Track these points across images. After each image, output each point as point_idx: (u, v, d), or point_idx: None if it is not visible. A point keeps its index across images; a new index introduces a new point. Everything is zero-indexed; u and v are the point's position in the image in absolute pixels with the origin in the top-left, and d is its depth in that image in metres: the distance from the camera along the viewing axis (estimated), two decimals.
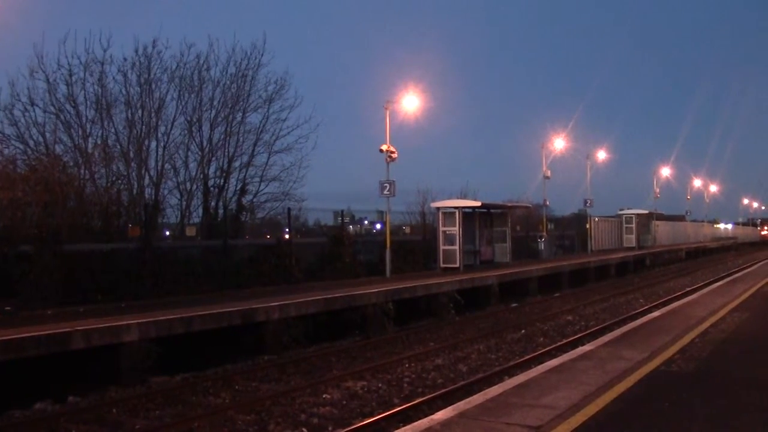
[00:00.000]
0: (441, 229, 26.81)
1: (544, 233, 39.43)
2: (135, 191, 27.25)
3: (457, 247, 26.18)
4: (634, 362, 9.56)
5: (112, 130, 27.39)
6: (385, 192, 24.64)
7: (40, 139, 25.67)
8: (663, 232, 59.46)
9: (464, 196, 35.57)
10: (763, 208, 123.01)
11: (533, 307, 23.23)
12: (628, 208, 52.61)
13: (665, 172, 64.60)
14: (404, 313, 18.90)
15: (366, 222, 49.18)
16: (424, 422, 6.87)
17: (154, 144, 28.54)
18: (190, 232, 28.80)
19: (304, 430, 9.19)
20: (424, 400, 10.29)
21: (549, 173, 39.57)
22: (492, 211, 29.51)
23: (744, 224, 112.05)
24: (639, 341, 11.35)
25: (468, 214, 27.42)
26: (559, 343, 15.17)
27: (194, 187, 29.80)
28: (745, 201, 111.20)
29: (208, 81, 30.03)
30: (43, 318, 13.42)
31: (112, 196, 25.61)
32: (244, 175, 30.65)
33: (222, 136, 30.26)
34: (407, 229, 39.00)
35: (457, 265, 25.91)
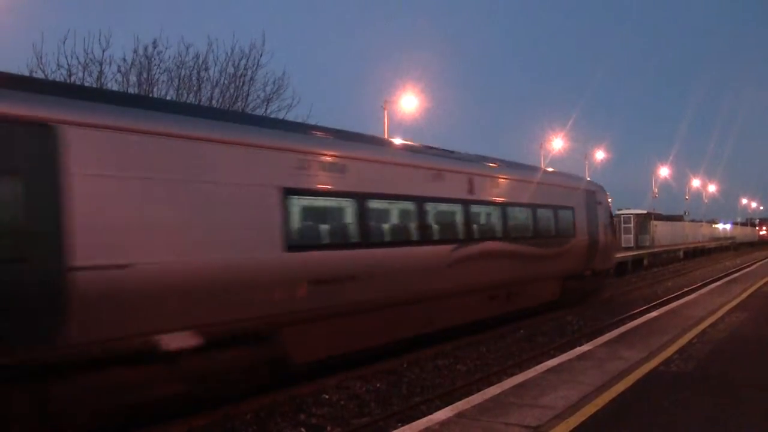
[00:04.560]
0: None
1: None
2: None
3: None
4: (632, 362, 9.56)
5: None
6: None
7: None
8: (661, 232, 59.52)
9: None
10: (761, 208, 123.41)
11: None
12: (626, 208, 52.73)
13: (664, 172, 64.98)
14: None
15: None
16: (422, 422, 6.86)
17: None
18: None
19: (302, 430, 9.18)
20: (423, 401, 10.28)
21: None
22: None
23: (742, 224, 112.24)
24: (637, 341, 11.34)
25: None
26: (557, 343, 15.16)
27: None
28: (744, 201, 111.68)
29: (207, 81, 30.03)
30: None
31: None
32: None
33: None
34: None
35: None
